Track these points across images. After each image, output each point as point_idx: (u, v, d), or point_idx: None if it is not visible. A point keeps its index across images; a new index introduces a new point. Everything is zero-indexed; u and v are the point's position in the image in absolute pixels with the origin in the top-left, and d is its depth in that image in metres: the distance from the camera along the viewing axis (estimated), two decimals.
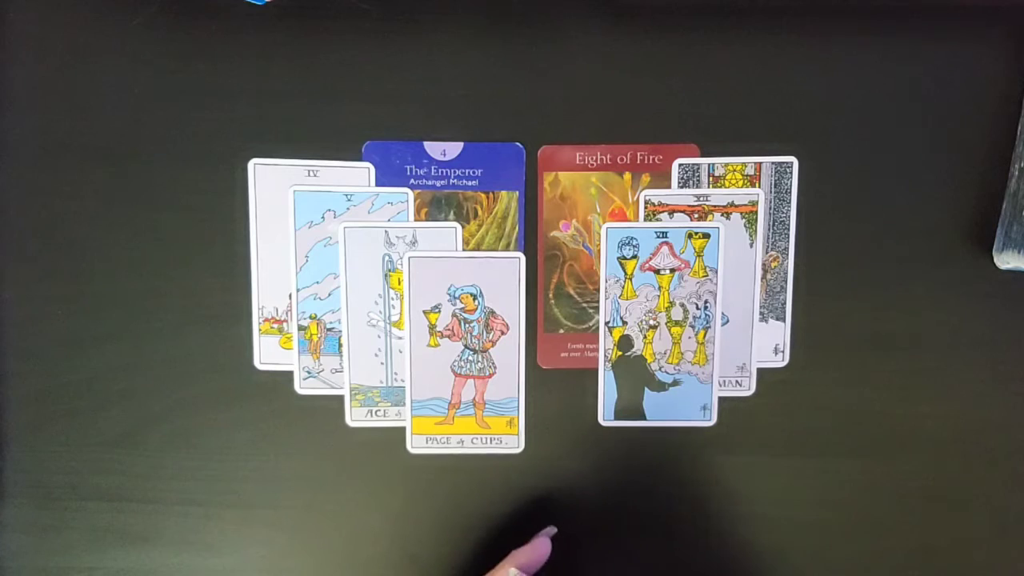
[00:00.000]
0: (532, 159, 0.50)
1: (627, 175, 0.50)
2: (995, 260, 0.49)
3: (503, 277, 0.50)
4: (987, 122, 0.49)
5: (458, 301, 0.50)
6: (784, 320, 0.50)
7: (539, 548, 0.45)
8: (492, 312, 0.50)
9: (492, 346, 0.51)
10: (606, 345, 0.51)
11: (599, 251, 0.50)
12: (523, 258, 0.50)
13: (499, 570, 0.43)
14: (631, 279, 0.50)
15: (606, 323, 0.51)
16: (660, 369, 0.51)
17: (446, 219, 0.50)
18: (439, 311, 0.50)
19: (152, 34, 0.49)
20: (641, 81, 0.49)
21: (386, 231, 0.50)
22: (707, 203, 0.50)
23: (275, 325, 0.50)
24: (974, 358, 0.50)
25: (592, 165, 0.50)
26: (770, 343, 0.51)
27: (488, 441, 0.51)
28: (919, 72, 0.49)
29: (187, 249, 0.50)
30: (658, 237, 0.50)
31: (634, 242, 0.50)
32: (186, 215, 0.49)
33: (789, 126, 0.49)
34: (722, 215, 0.50)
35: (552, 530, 0.48)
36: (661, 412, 0.51)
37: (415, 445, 0.51)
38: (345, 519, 0.51)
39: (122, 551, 0.51)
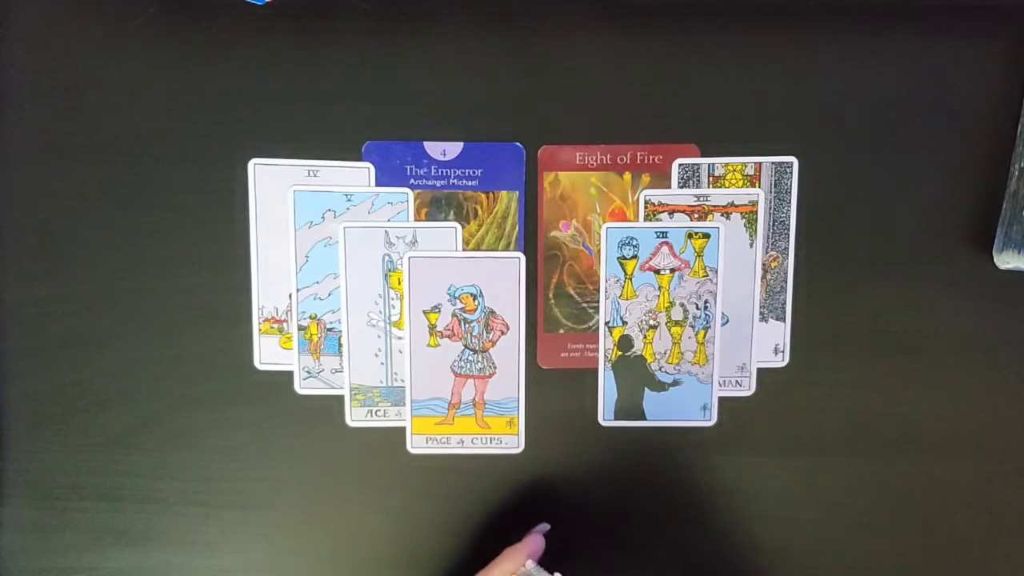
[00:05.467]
0: (532, 159, 0.50)
1: (627, 175, 0.50)
2: (995, 260, 0.49)
3: (503, 277, 0.50)
4: (987, 122, 0.49)
5: (458, 301, 0.50)
6: (784, 320, 0.50)
7: (533, 545, 0.45)
8: (492, 312, 0.50)
9: (492, 346, 0.51)
10: (606, 345, 0.51)
11: (599, 251, 0.50)
12: (523, 258, 0.50)
13: (495, 568, 0.43)
14: (631, 279, 0.50)
15: (606, 323, 0.51)
16: (660, 369, 0.51)
17: (446, 219, 0.50)
18: (439, 311, 0.50)
19: (152, 34, 0.49)
20: (641, 81, 0.49)
21: (386, 231, 0.50)
22: (707, 203, 0.50)
23: (275, 325, 0.50)
24: (974, 358, 0.50)
25: (592, 165, 0.50)
26: (770, 343, 0.51)
27: (488, 441, 0.51)
28: (919, 72, 0.49)
29: (187, 249, 0.50)
30: (658, 237, 0.50)
31: (634, 242, 0.50)
32: (186, 215, 0.49)
33: (789, 126, 0.49)
34: (722, 215, 0.50)
35: (545, 527, 0.48)
36: (661, 412, 0.51)
37: (415, 445, 0.51)
38: (345, 519, 0.51)
39: (122, 551, 0.51)
